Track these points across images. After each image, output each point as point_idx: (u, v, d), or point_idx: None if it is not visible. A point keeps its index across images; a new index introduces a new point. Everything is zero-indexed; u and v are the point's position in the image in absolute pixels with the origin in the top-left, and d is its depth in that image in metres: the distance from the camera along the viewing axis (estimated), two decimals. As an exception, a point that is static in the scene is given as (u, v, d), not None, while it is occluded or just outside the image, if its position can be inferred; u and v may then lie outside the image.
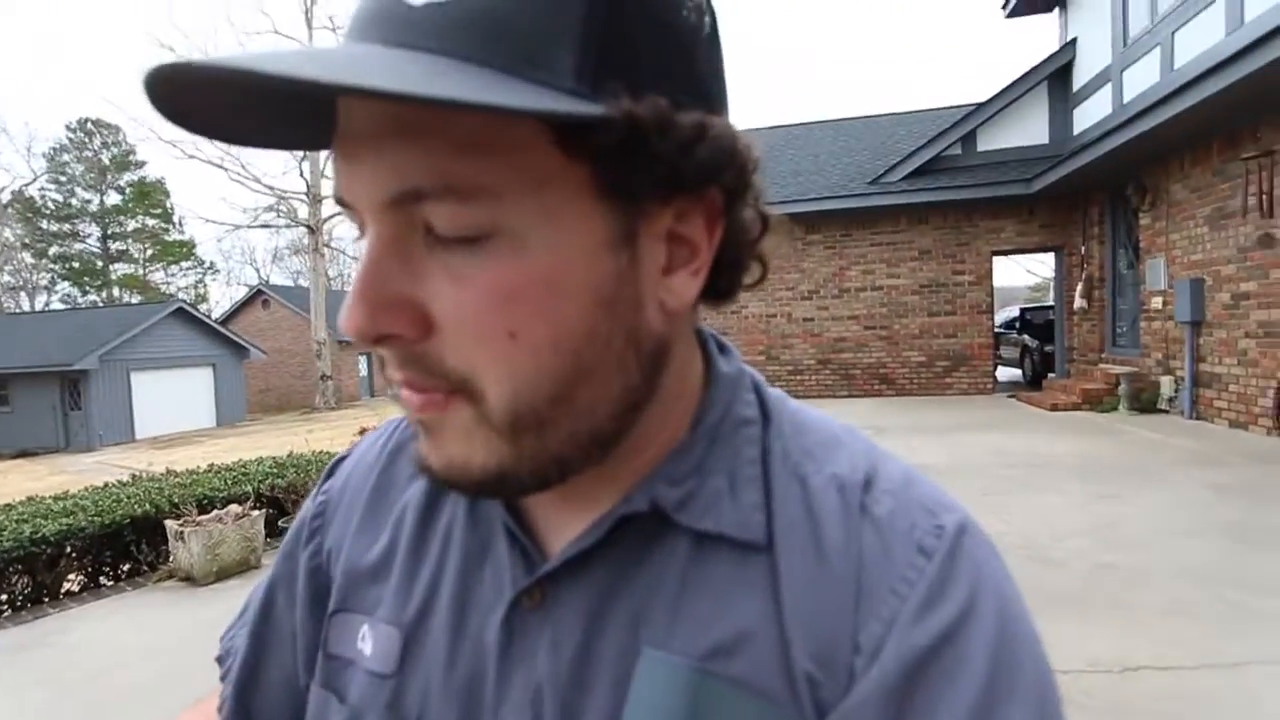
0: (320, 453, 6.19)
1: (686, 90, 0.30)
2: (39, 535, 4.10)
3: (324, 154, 23.14)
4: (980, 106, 9.79)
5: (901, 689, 0.29)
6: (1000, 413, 8.23)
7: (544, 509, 0.38)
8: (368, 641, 0.39)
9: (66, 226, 34.71)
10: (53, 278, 35.12)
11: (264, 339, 24.83)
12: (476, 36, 0.26)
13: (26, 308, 32.57)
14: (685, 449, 0.36)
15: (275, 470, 5.38)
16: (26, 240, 33.95)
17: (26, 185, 34.04)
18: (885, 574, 0.32)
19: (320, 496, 0.46)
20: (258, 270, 39.02)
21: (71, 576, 4.29)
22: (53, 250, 34.50)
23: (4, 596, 3.99)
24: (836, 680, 0.31)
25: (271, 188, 22.21)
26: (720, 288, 0.36)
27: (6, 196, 33.02)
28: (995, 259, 10.04)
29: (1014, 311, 13.91)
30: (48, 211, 34.19)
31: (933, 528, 0.33)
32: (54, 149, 34.36)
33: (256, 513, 4.45)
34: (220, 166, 21.79)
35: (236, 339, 22.67)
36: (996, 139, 9.81)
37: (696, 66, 0.31)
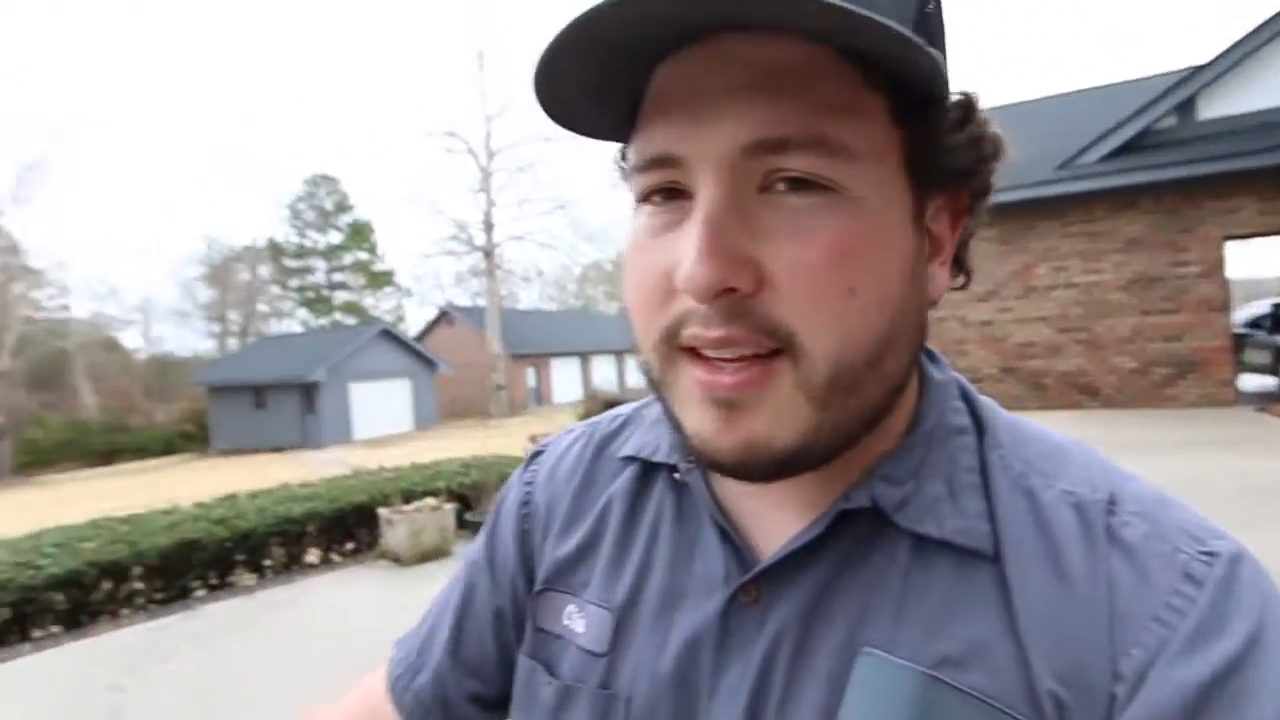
0: (499, 456, 6.90)
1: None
2: (290, 515, 5.03)
3: (495, 185, 26.05)
4: (1201, 68, 8.29)
5: None
6: (1243, 429, 6.84)
7: (752, 507, 0.39)
8: (576, 620, 0.42)
9: (302, 263, 41.85)
10: (293, 305, 42.49)
11: (450, 354, 27.87)
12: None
13: (274, 331, 39.73)
14: (903, 452, 0.36)
15: (463, 470, 6.09)
16: (275, 276, 41.45)
17: (275, 233, 41.70)
18: (1144, 601, 0.30)
19: (525, 487, 0.50)
20: (443, 292, 44.02)
21: (313, 551, 5.21)
22: (292, 283, 41.76)
23: (268, 562, 4.95)
24: (1091, 705, 0.29)
25: (453, 219, 25.09)
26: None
27: (262, 242, 40.67)
28: (1229, 245, 8.40)
29: (1263, 307, 11.48)
30: (289, 251, 41.47)
31: (1199, 554, 0.31)
32: (295, 199, 41.70)
33: (448, 506, 5.07)
34: (413, 204, 25.07)
35: (427, 355, 25.71)
36: (1224, 104, 8.24)
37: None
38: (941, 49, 0.33)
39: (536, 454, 0.52)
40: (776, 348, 0.30)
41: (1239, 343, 9.60)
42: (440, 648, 0.49)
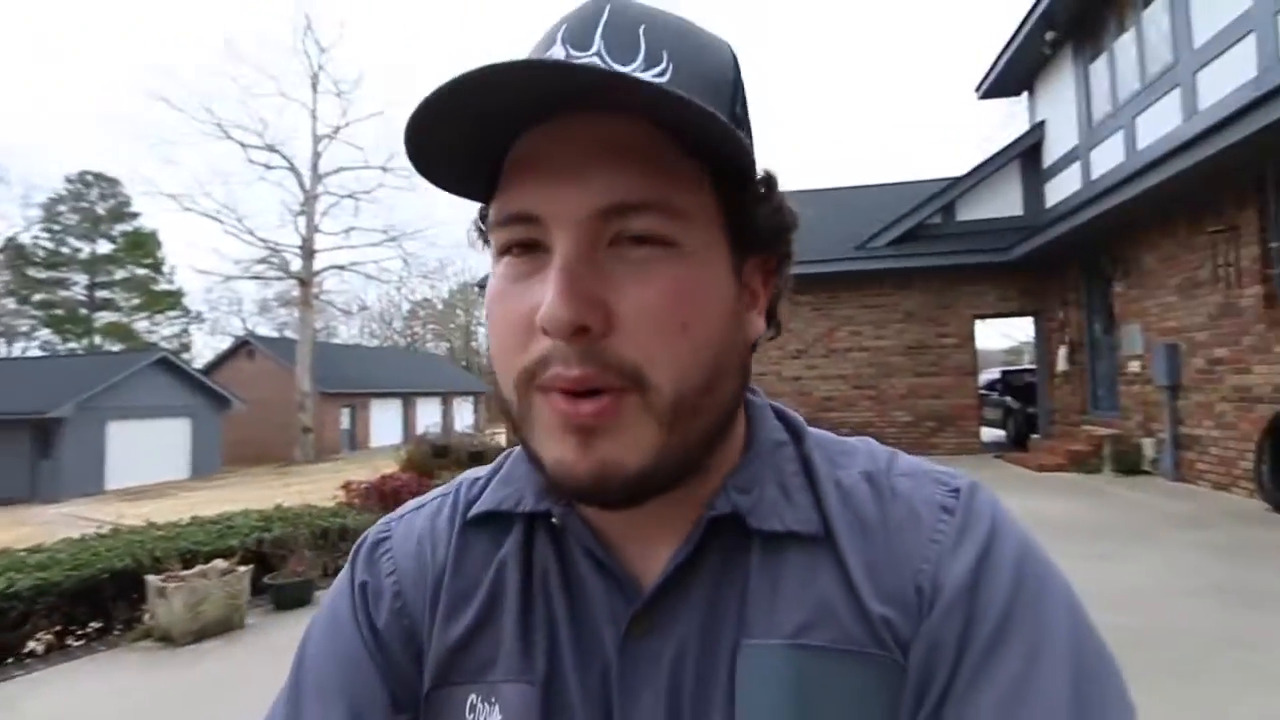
0: (309, 506, 6.05)
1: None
2: (12, 590, 3.90)
3: (319, 210, 23.78)
4: (958, 180, 10.30)
5: (964, 598, 0.36)
6: (988, 473, 8.28)
7: (629, 543, 0.41)
8: (483, 709, 0.39)
9: (54, 274, 34.48)
10: (34, 325, 34.63)
11: (247, 389, 24.43)
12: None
13: (3, 354, 31.97)
14: (745, 466, 0.42)
15: (262, 524, 5.23)
16: (12, 287, 33.63)
17: (19, 233, 34.07)
18: (920, 532, 0.39)
19: (390, 576, 0.44)
20: (244, 321, 38.80)
21: (39, 636, 4.05)
22: (36, 297, 34.13)
23: (-32, 656, 3.75)
24: (909, 615, 0.37)
25: (265, 240, 22.45)
26: None
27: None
28: (977, 323, 10.33)
29: (995, 374, 14.17)
30: (37, 259, 34.02)
31: (947, 492, 0.41)
32: (51, 199, 34.55)
33: (243, 568, 4.30)
34: (216, 219, 22.06)
35: (215, 389, 22.33)
36: (974, 210, 10.28)
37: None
38: (749, 137, 0.41)
39: (383, 539, 0.46)
40: (626, 385, 0.34)
41: (981, 401, 11.70)
42: None
